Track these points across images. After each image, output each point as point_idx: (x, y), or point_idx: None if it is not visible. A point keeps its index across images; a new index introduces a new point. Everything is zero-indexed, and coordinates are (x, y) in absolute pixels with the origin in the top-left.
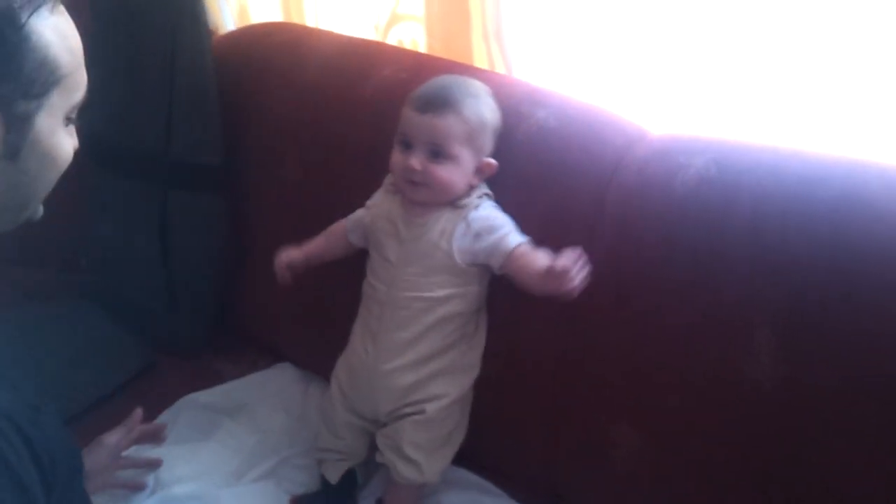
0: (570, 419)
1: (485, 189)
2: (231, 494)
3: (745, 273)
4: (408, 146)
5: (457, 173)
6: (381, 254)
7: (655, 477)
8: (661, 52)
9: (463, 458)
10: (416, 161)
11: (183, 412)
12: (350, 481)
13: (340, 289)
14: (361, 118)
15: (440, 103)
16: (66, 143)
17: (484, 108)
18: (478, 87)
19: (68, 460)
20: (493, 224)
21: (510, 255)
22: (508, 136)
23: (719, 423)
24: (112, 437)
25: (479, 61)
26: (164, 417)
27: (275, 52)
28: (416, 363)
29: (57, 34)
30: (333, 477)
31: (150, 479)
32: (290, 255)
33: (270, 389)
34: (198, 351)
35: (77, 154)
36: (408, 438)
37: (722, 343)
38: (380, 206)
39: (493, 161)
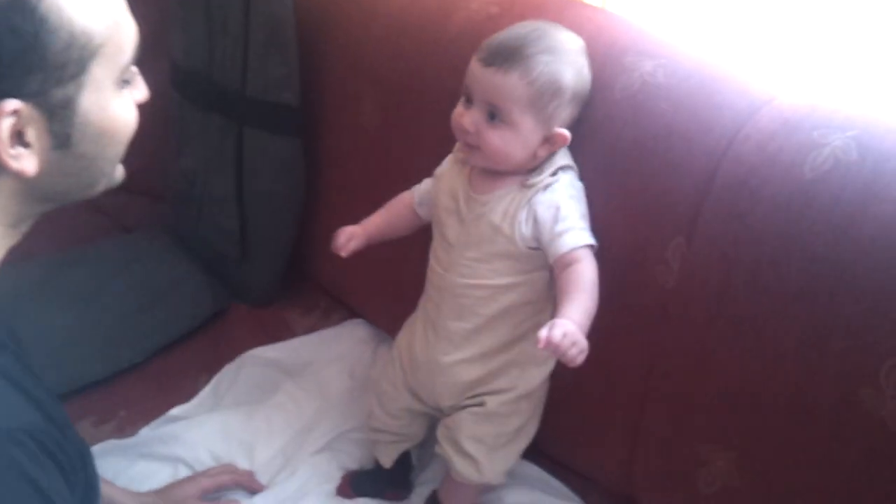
0: (654, 427)
1: (565, 160)
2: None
3: (877, 287)
4: (469, 101)
5: (514, 142)
6: (441, 232)
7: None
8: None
9: (532, 450)
10: (469, 121)
11: (245, 368)
12: (405, 463)
13: (416, 246)
14: (443, 59)
15: (506, 57)
16: (124, 110)
17: (563, 69)
18: (564, 41)
19: (84, 466)
20: (554, 214)
21: (557, 259)
22: (604, 91)
23: (826, 457)
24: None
25: None
26: (226, 371)
27: None
28: (481, 357)
29: (80, 1)
30: (387, 461)
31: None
32: (350, 233)
33: (338, 349)
34: (268, 299)
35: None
36: (467, 432)
37: (840, 369)
38: (445, 178)
39: (566, 132)
